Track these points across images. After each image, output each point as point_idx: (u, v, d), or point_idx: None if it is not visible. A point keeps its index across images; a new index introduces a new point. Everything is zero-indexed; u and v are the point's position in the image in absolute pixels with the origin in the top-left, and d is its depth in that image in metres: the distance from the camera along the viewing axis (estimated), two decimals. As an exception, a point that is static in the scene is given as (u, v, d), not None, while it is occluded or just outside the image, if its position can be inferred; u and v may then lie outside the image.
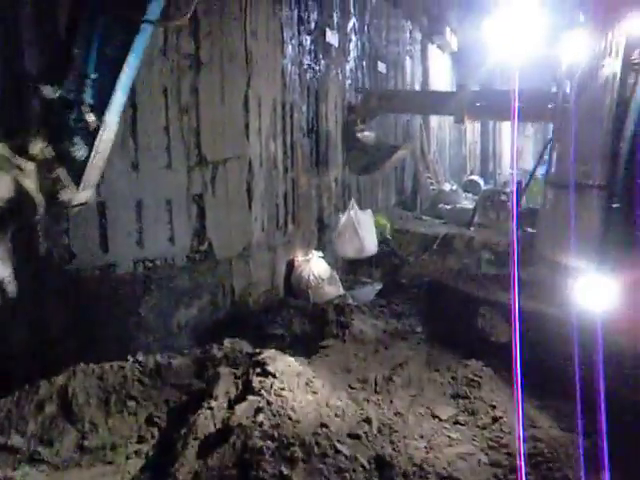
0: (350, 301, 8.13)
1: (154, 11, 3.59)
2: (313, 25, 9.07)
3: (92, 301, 5.59)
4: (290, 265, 8.24)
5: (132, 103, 5.72)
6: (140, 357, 5.21)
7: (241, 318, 6.91)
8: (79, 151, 3.91)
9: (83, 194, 4.14)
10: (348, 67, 10.80)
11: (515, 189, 9.18)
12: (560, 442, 4.36)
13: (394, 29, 13.60)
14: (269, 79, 7.72)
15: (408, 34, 14.88)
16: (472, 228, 11.59)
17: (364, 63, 11.62)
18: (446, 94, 11.13)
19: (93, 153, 3.90)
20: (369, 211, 9.55)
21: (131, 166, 5.78)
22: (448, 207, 14.34)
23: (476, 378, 5.12)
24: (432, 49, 16.98)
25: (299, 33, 8.60)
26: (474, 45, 16.94)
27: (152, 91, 5.91)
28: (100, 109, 3.88)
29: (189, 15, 3.74)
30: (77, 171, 3.97)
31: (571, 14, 6.27)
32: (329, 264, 8.64)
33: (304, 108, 8.93)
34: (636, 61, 4.96)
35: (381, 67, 12.62)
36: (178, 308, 6.32)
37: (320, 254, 8.68)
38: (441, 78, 18.38)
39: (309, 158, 9.01)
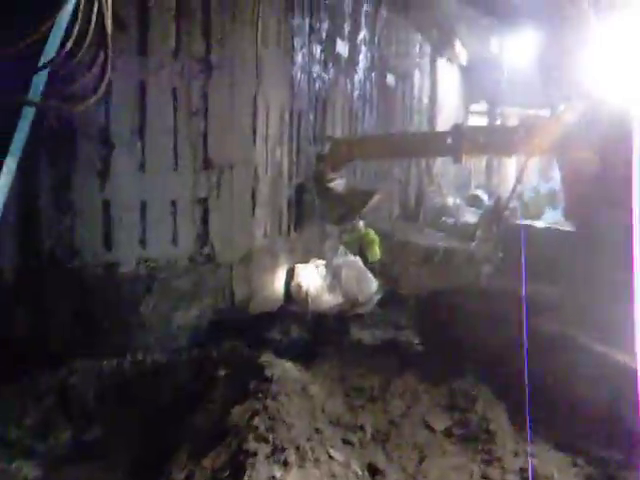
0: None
1: (36, 91, 3.24)
2: (324, 34, 9.15)
3: (94, 299, 5.64)
4: (291, 272, 8.27)
5: (141, 103, 5.80)
6: (139, 356, 5.25)
7: (240, 322, 6.92)
8: None
9: None
10: (357, 78, 10.88)
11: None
12: (552, 457, 4.39)
13: (404, 41, 13.69)
14: (278, 86, 7.78)
15: (418, 47, 14.98)
16: (474, 243, 11.62)
17: (373, 75, 11.70)
18: (434, 135, 10.54)
19: None
20: (358, 262, 9.37)
21: (137, 166, 5.83)
22: (451, 221, 14.37)
23: (471, 391, 5.15)
24: (441, 62, 17.06)
25: (309, 42, 8.67)
26: (484, 59, 17.03)
27: (161, 92, 5.97)
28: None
29: (95, 99, 3.44)
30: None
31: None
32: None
33: (311, 116, 9.00)
34: None
35: (390, 79, 12.70)
36: (178, 309, 6.34)
37: (322, 262, 8.71)
38: (450, 92, 18.46)
39: (314, 166, 9.05)
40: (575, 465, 4.42)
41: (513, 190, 10.72)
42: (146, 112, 5.85)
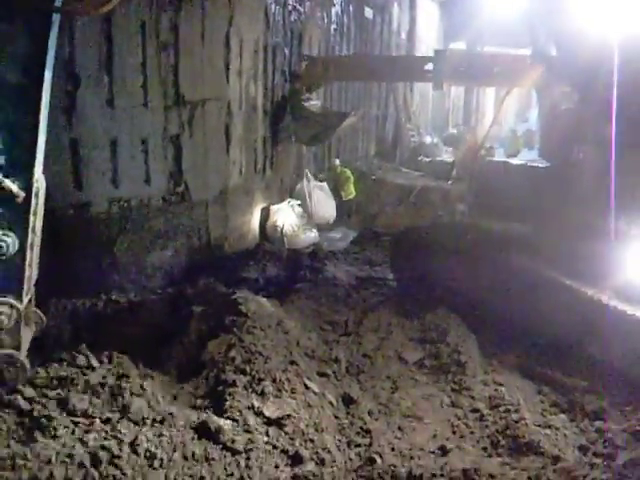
0: (325, 247, 8.22)
1: None
2: (299, -37, 8.78)
3: (65, 240, 5.55)
4: (267, 210, 8.24)
5: (107, 36, 5.55)
6: (113, 296, 5.24)
7: (216, 261, 6.93)
8: None
9: None
10: (334, 10, 10.53)
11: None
12: (519, 386, 4.56)
13: (382, -28, 13.21)
14: (252, 19, 7.49)
15: (397, -21, 14.48)
16: (450, 182, 11.65)
17: (350, 7, 11.33)
18: (416, 59, 10.08)
19: None
20: (325, 185, 9.54)
21: (106, 102, 5.63)
22: (428, 159, 14.33)
23: (443, 324, 5.27)
24: (421, -4, 16.56)
25: (284, -28, 8.32)
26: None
27: (129, 25, 5.70)
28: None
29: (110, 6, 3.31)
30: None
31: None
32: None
33: (287, 51, 8.74)
34: None
35: (367, 12, 12.32)
36: (153, 249, 6.31)
37: (297, 201, 8.68)
38: (429, 29, 17.99)
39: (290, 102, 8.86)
40: (540, 393, 4.60)
41: (489, 130, 10.69)
42: (113, 45, 5.60)
